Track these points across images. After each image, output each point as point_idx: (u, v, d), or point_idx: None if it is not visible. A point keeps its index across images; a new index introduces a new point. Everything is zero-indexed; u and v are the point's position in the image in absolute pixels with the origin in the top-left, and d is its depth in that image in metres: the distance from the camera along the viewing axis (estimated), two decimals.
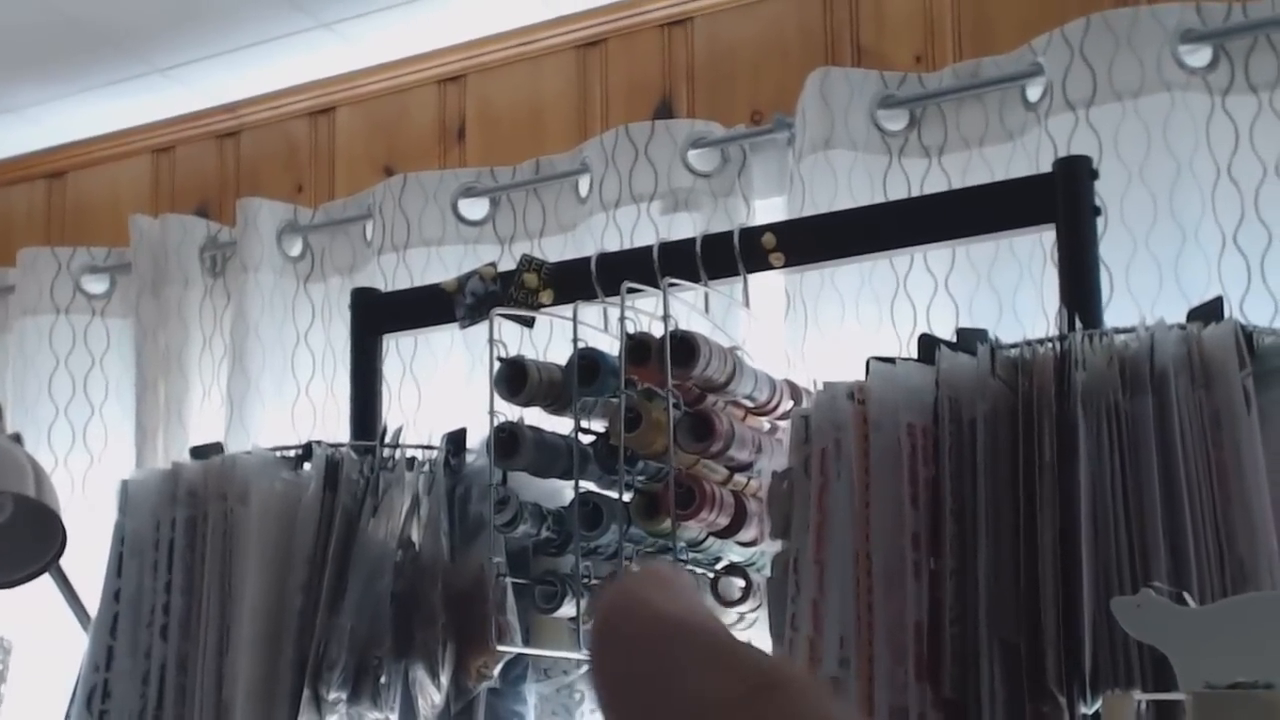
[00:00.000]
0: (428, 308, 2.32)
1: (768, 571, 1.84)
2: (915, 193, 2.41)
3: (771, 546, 1.88)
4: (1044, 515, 1.62)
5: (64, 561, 2.56)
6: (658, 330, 1.97)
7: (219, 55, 3.04)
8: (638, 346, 1.97)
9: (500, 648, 2.04)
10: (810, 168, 2.43)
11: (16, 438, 2.67)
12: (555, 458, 2.02)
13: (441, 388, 2.78)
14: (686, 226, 2.53)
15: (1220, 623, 1.30)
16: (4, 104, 3.26)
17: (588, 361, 2.00)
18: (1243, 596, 1.44)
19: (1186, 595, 1.39)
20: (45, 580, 2.57)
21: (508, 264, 2.36)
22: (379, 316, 2.43)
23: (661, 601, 0.51)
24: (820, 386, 1.81)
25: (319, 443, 2.21)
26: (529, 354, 2.10)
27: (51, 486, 2.55)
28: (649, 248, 2.14)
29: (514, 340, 2.35)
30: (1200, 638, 1.28)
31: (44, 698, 2.71)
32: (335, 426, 2.79)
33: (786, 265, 2.11)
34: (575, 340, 2.00)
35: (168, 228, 3.10)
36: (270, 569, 2.14)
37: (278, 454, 2.24)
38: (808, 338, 2.40)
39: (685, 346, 1.94)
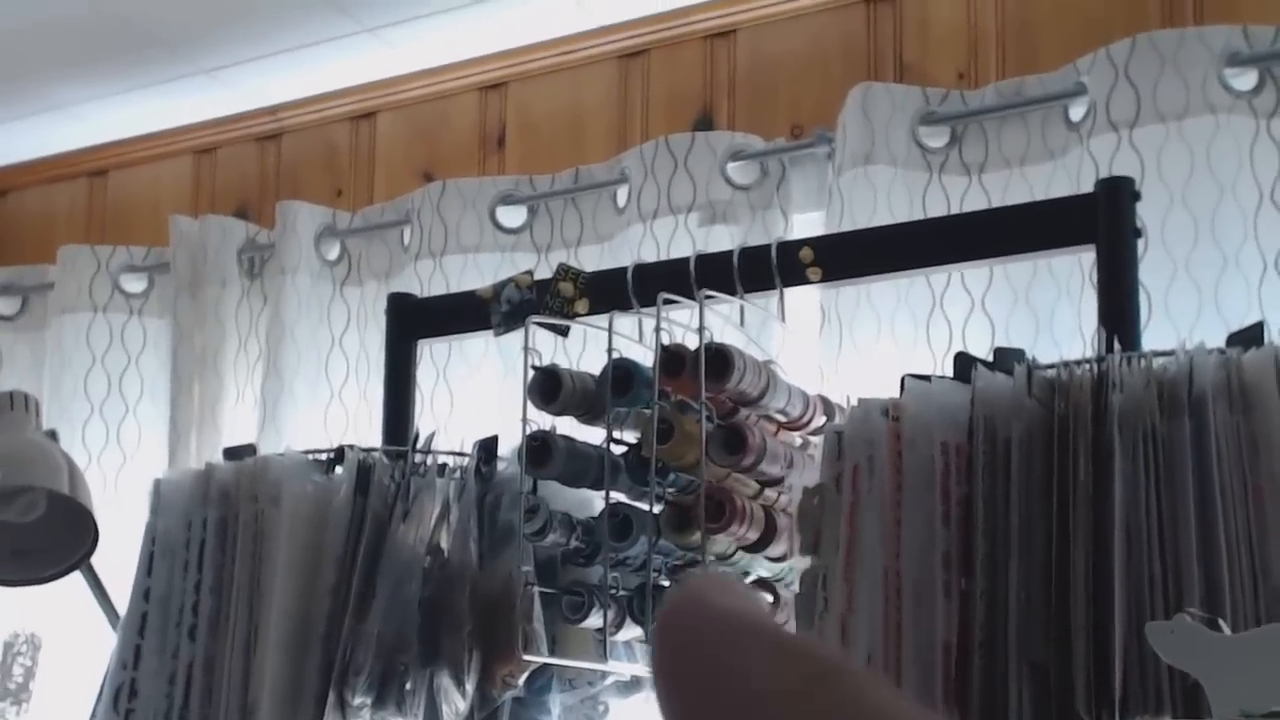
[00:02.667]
0: (463, 314, 2.32)
1: (796, 587, 1.83)
2: (955, 210, 2.40)
3: (801, 562, 1.87)
4: (1077, 537, 1.61)
5: (95, 559, 2.57)
6: (692, 342, 1.96)
7: (263, 58, 3.05)
8: (672, 358, 1.96)
9: (526, 657, 2.03)
10: (850, 183, 2.42)
11: (51, 434, 2.68)
12: (586, 467, 2.01)
13: (474, 394, 2.78)
14: (724, 239, 2.53)
15: (1256, 650, 1.28)
16: (49, 101, 3.28)
17: (622, 372, 1.99)
18: (1278, 624, 1.42)
19: (1221, 622, 1.37)
20: (76, 577, 2.58)
21: (544, 272, 2.35)
22: (414, 322, 2.43)
23: (723, 602, 0.53)
24: (854, 403, 1.80)
25: (351, 447, 2.21)
26: (563, 363, 2.10)
27: (85, 484, 2.57)
28: (686, 259, 2.14)
29: (548, 349, 2.34)
30: (1236, 665, 1.27)
31: (72, 695, 2.72)
32: (367, 431, 2.80)
33: (823, 280, 2.10)
34: (610, 350, 2.00)
35: (207, 229, 3.12)
36: (299, 571, 2.14)
37: (310, 457, 2.24)
38: (842, 353, 2.39)
39: (720, 359, 1.93)
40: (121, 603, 2.33)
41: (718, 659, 0.51)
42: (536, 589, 2.03)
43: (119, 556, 2.51)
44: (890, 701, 0.48)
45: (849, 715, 0.48)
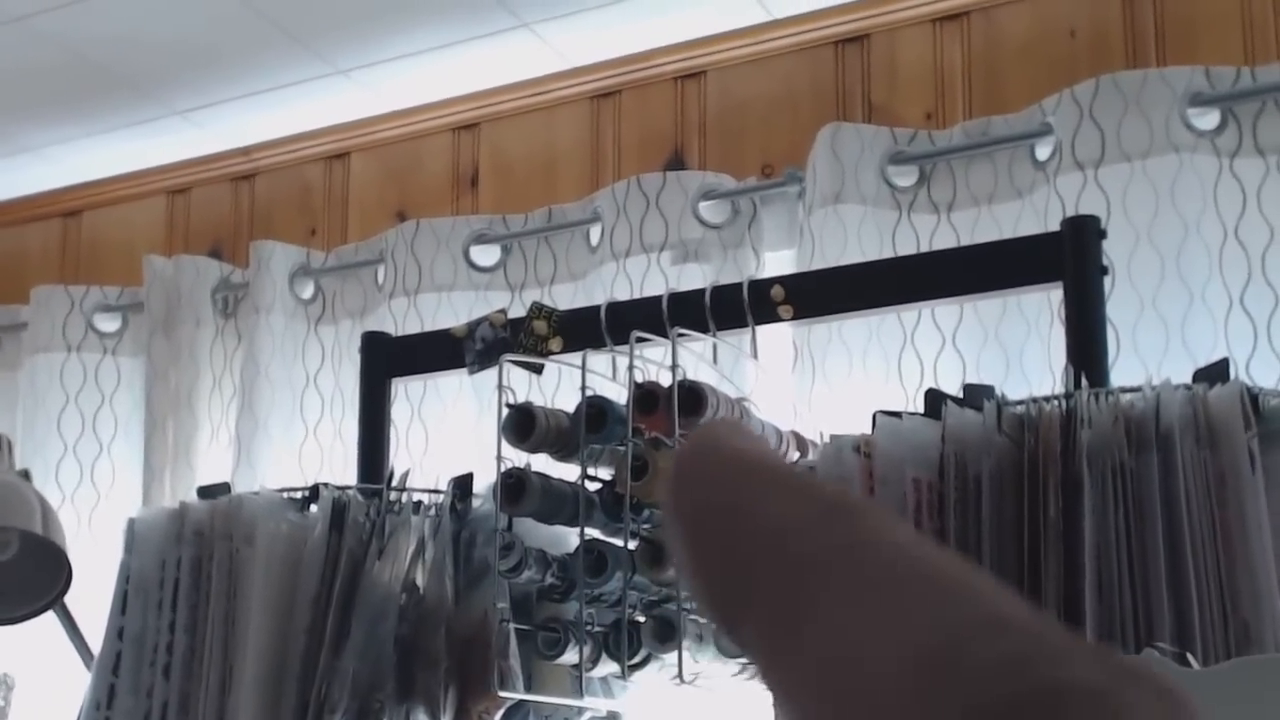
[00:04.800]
0: (437, 352, 2.33)
1: None
2: (924, 248, 2.42)
3: None
4: (1048, 573, 1.63)
5: (69, 599, 2.56)
6: (666, 379, 1.97)
7: (236, 99, 3.06)
8: (645, 395, 1.98)
9: (502, 693, 2.03)
10: (820, 221, 2.45)
11: (25, 474, 2.67)
12: (561, 504, 2.02)
13: (449, 432, 2.78)
14: (696, 277, 2.55)
15: (1225, 685, 1.30)
16: (22, 143, 3.29)
17: (595, 409, 2.01)
18: (1247, 658, 1.44)
19: (1190, 656, 1.39)
20: (49, 617, 2.57)
21: (518, 311, 2.37)
22: (388, 360, 2.44)
23: (735, 443, 0.54)
24: (826, 439, 1.82)
25: (326, 485, 2.22)
26: (537, 401, 2.11)
27: (58, 523, 2.56)
28: (658, 297, 2.16)
29: (522, 387, 2.35)
30: (1205, 699, 1.28)
31: None
32: (342, 469, 2.80)
33: (795, 318, 2.12)
34: (583, 388, 2.01)
35: (181, 268, 3.12)
36: (274, 610, 2.14)
37: (284, 495, 2.24)
38: (815, 390, 2.41)
39: (693, 396, 1.95)
40: (95, 642, 2.32)
41: (733, 496, 0.52)
42: (512, 625, 2.04)
43: (93, 595, 2.51)
44: (904, 534, 0.50)
45: (869, 545, 0.49)
